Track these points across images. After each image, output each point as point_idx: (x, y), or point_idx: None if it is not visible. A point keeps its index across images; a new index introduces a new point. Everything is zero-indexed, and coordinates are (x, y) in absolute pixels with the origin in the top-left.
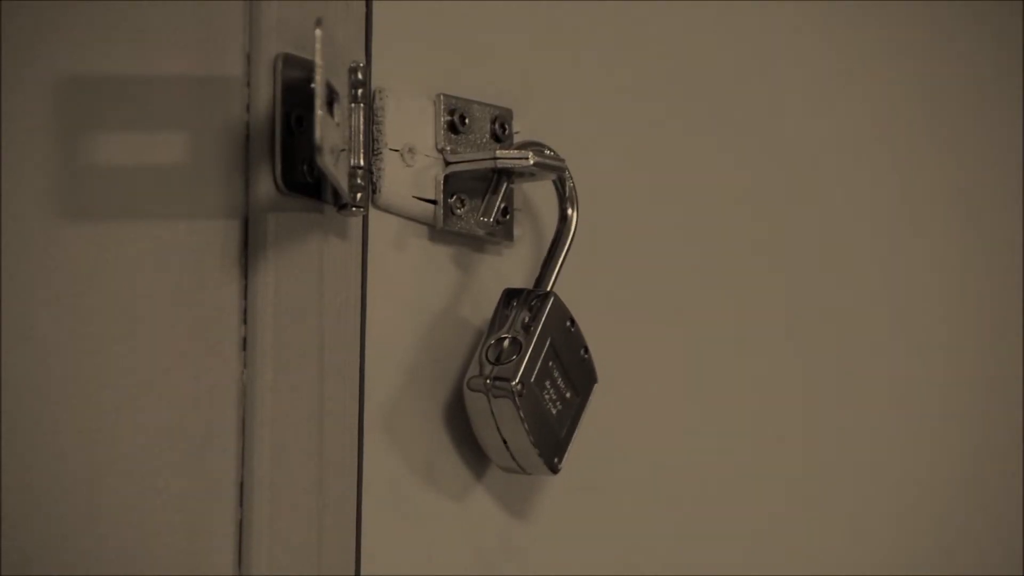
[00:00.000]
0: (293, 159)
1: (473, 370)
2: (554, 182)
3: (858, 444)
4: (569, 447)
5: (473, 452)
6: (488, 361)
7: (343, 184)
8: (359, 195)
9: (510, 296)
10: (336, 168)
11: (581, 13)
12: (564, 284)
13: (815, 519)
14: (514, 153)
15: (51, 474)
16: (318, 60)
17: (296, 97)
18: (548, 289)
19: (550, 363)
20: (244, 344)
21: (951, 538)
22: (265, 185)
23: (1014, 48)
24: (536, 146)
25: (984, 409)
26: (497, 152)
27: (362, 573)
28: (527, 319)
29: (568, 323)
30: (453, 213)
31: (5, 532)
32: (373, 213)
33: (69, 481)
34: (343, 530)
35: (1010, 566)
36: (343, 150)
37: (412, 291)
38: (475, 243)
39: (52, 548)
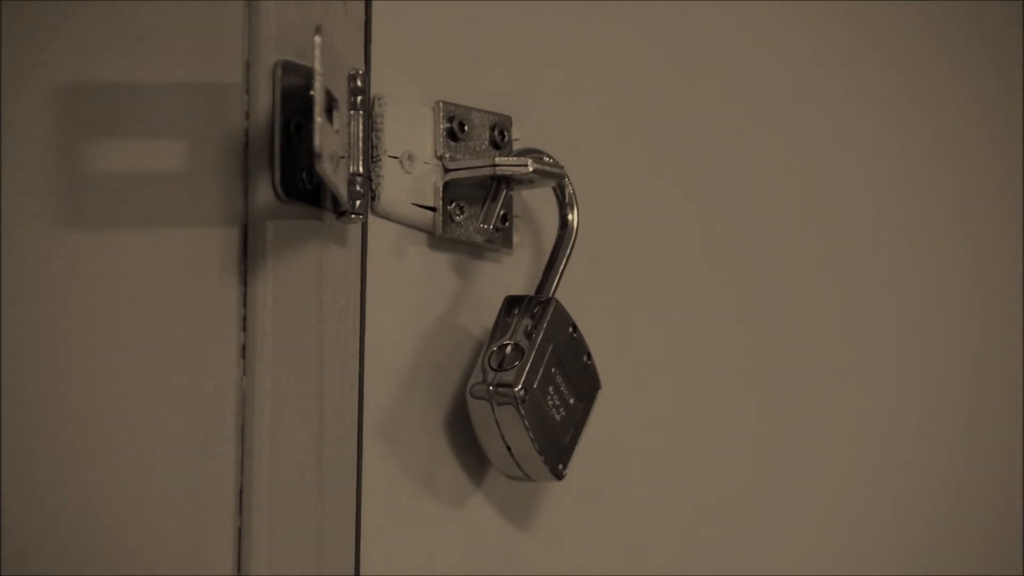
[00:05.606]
0: (292, 166)
1: (476, 377)
2: (553, 189)
3: (860, 450)
4: (573, 453)
5: (473, 459)
6: (491, 368)
7: (342, 191)
8: (358, 202)
9: (512, 303)
10: (335, 175)
11: (580, 20)
12: (565, 290)
13: (817, 524)
14: (513, 160)
15: (51, 479)
16: (317, 67)
17: (295, 104)
18: (550, 295)
19: (553, 369)
20: (243, 351)
21: (952, 538)
22: (264, 192)
23: (1014, 48)
24: (535, 153)
25: (985, 409)
26: (496, 159)
27: None
28: (529, 326)
29: (570, 329)
30: (452, 220)
31: (5, 533)
32: (372, 220)
33: (69, 486)
34: (343, 537)
35: (1010, 566)
36: (342, 157)
37: (411, 298)
38: (474, 250)
39: (52, 551)
